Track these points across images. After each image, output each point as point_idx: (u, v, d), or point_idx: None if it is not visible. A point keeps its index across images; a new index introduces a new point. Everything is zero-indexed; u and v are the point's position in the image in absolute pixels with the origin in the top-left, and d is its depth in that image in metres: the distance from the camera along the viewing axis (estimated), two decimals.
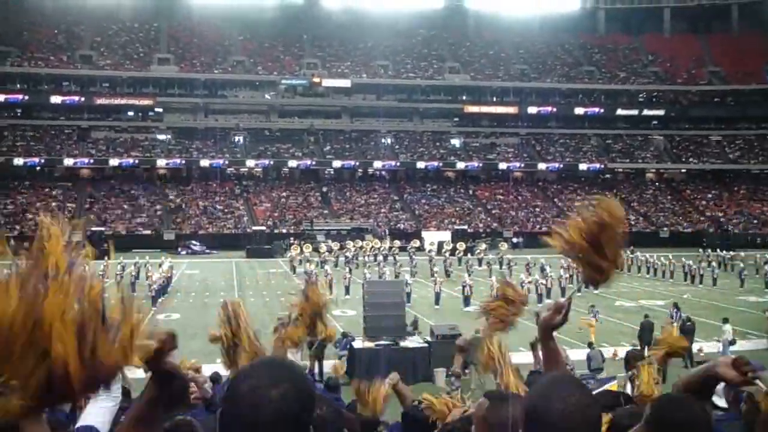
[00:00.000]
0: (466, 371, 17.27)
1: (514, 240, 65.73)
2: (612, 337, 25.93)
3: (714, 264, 46.53)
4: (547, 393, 2.14)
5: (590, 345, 21.01)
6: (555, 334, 3.18)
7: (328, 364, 21.51)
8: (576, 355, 20.42)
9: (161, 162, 74.71)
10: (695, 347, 23.49)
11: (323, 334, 4.62)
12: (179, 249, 59.66)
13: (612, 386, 12.42)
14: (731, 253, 53.14)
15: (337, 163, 78.02)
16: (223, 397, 1.91)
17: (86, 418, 3.32)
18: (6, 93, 73.95)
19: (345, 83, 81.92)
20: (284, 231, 65.84)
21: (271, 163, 77.05)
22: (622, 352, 18.12)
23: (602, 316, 29.92)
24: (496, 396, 2.89)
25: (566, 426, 2.04)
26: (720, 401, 4.88)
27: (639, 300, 35.16)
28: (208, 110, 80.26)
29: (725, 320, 23.65)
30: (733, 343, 22.49)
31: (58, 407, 3.18)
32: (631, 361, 6.77)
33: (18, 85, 74.65)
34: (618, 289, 36.25)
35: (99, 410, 3.30)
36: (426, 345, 22.11)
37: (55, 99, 75.10)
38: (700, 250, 52.52)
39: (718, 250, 53.98)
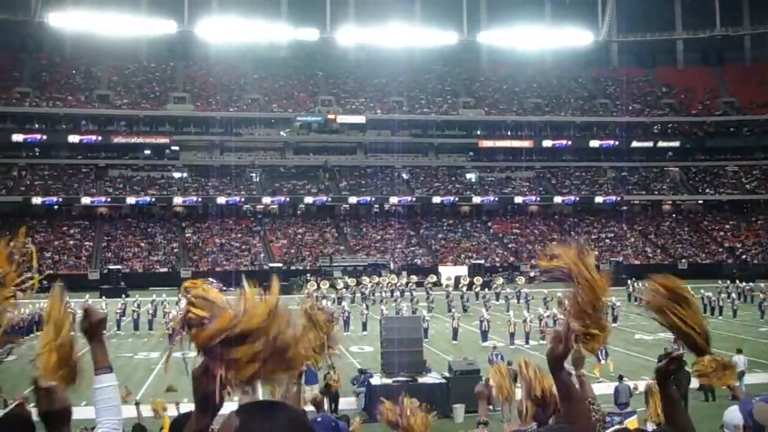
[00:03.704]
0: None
1: (531, 274, 65.40)
2: (634, 371, 25.60)
3: (734, 295, 46.08)
4: None
5: (620, 378, 20.63)
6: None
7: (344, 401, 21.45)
8: (603, 389, 20.18)
9: (178, 200, 75.04)
10: None
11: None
12: None
13: (631, 422, 12.17)
14: (751, 284, 52.63)
15: (352, 199, 78.08)
16: None
17: None
18: (24, 133, 74.81)
19: (360, 119, 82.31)
20: (301, 267, 65.90)
21: (287, 199, 77.25)
22: (643, 385, 17.88)
23: (621, 350, 29.69)
24: None
25: None
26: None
27: (658, 333, 34.75)
28: (223, 148, 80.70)
29: (739, 351, 23.25)
30: (742, 375, 22.04)
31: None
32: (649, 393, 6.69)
33: (36, 125, 75.50)
34: (637, 322, 35.90)
35: None
36: (444, 381, 21.94)
37: (73, 138, 75.76)
38: (719, 281, 51.91)
39: (737, 281, 53.44)
